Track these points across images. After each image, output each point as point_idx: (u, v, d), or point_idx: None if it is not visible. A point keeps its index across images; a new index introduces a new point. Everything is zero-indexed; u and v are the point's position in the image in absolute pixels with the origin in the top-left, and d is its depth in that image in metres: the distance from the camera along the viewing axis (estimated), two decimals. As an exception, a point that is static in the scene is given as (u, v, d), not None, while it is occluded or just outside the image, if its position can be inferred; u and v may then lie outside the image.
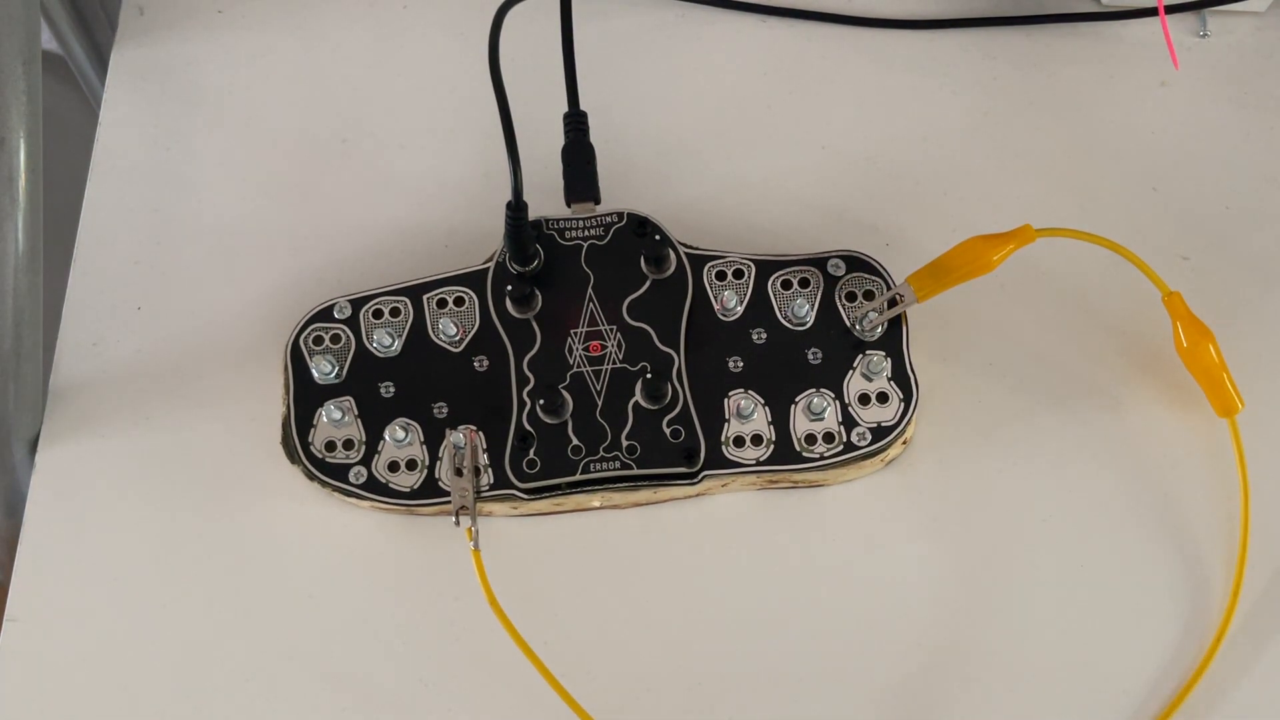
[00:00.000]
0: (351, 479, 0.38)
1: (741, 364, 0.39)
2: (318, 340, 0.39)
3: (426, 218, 0.44)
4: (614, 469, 0.37)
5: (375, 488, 0.38)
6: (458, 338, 0.39)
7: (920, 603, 0.38)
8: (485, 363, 0.39)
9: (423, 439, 0.38)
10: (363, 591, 0.38)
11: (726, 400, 0.38)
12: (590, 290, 0.39)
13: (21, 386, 0.39)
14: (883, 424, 0.38)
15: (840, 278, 0.40)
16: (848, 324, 0.39)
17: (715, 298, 0.40)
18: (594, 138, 0.42)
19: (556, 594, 0.38)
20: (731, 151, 0.45)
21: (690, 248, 0.40)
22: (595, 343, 0.39)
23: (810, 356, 0.39)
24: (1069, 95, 0.46)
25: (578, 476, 0.37)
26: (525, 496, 0.37)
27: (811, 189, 0.44)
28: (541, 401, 0.37)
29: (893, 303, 0.39)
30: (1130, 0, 0.47)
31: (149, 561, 0.38)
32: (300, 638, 0.37)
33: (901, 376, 0.38)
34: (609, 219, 0.40)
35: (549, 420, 0.38)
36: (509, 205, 0.38)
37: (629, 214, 0.40)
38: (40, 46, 0.38)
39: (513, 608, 0.36)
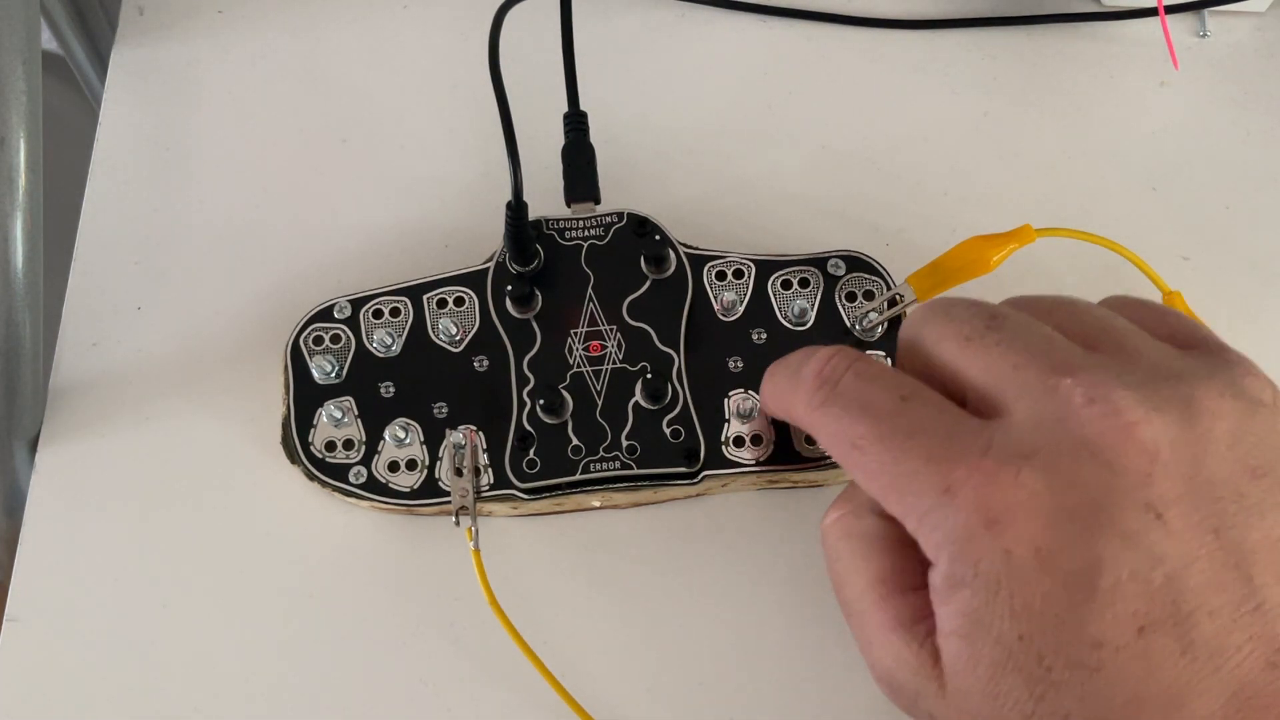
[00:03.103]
0: (351, 479, 0.38)
1: (741, 364, 0.39)
2: (318, 340, 0.39)
3: (426, 218, 0.44)
4: (614, 469, 0.37)
5: (375, 488, 0.38)
6: (458, 338, 0.39)
7: (920, 603, 0.38)
8: (485, 363, 0.39)
9: (423, 439, 0.38)
10: (363, 591, 0.38)
11: (726, 400, 0.38)
12: (590, 290, 0.39)
13: (21, 386, 0.39)
14: (883, 424, 0.38)
15: (840, 278, 0.40)
16: (848, 324, 0.39)
17: (715, 298, 0.40)
18: (594, 138, 0.42)
19: (556, 594, 0.38)
20: (731, 151, 0.45)
21: (690, 248, 0.40)
22: (595, 343, 0.39)
23: (810, 356, 0.39)
24: (1069, 95, 0.46)
25: (578, 476, 0.37)
26: (525, 496, 0.37)
27: (811, 189, 0.44)
28: (541, 401, 0.37)
29: (893, 303, 0.39)
30: (1130, 0, 0.47)
31: (149, 561, 0.38)
32: (300, 637, 0.37)
33: (901, 376, 0.38)
34: (609, 219, 0.40)
35: (549, 420, 0.38)
36: (509, 205, 0.38)
37: (629, 214, 0.40)
38: (40, 46, 0.38)
39: (513, 608, 0.36)
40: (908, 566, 0.29)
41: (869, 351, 0.39)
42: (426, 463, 0.38)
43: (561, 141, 0.42)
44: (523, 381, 0.38)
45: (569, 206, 0.41)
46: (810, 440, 0.38)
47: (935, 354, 0.30)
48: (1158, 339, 0.29)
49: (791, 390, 0.31)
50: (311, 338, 0.39)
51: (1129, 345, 0.29)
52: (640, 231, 0.40)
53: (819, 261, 0.40)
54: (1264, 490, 0.27)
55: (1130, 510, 0.26)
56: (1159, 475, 0.26)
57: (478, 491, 0.37)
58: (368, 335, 0.39)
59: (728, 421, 0.38)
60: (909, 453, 0.27)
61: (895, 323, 0.39)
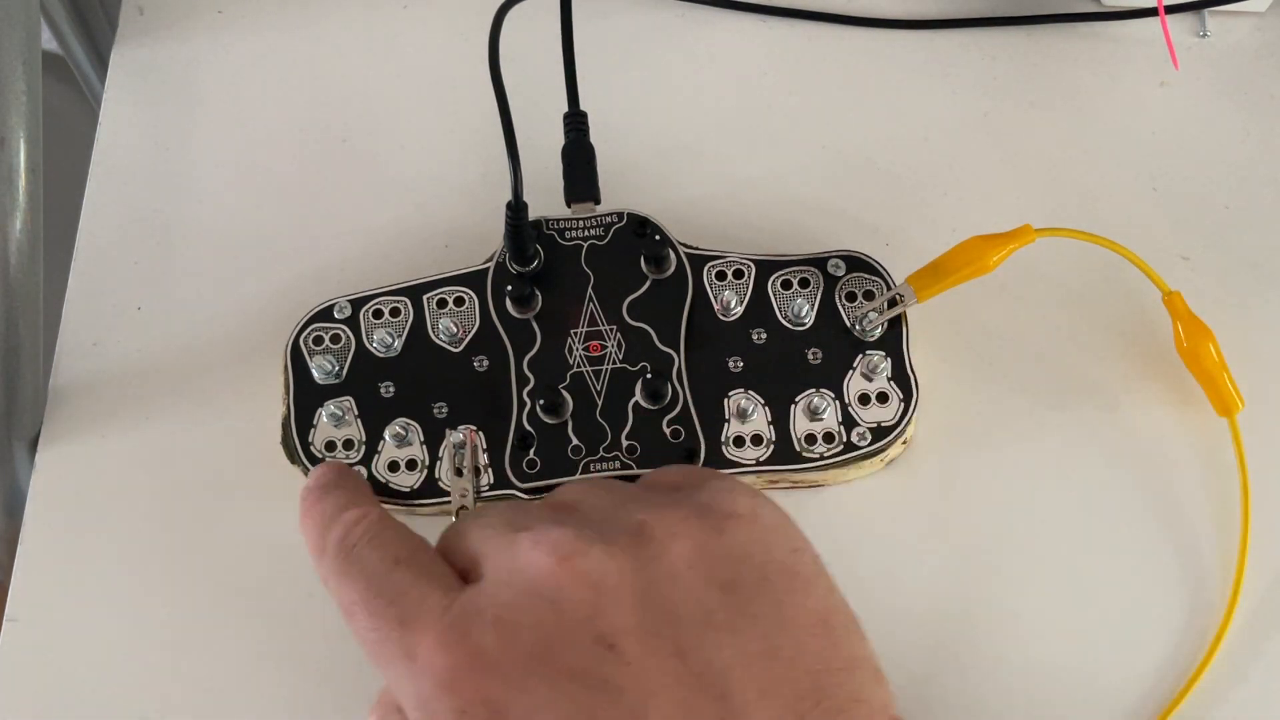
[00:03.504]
0: (351, 479, 0.38)
1: (741, 364, 0.39)
2: (318, 340, 0.39)
3: (426, 218, 0.44)
4: (614, 469, 0.37)
5: (375, 488, 0.38)
6: (458, 338, 0.39)
7: (920, 603, 0.38)
8: (485, 363, 0.39)
9: (423, 439, 0.38)
10: (363, 591, 0.38)
11: (726, 400, 0.38)
12: (590, 290, 0.39)
13: (21, 386, 0.39)
14: (883, 424, 0.38)
15: (840, 278, 0.40)
16: (848, 324, 0.39)
17: (715, 298, 0.40)
18: (594, 138, 0.42)
19: (556, 594, 0.38)
20: (731, 151, 0.45)
21: (690, 248, 0.40)
22: (595, 343, 0.39)
23: (810, 356, 0.39)
24: (1069, 95, 0.46)
25: (578, 477, 0.37)
26: (525, 496, 0.37)
27: (811, 189, 0.44)
28: (541, 401, 0.37)
29: (893, 303, 0.39)
30: (1130, 0, 0.47)
31: (149, 561, 0.38)
32: (300, 637, 0.37)
33: (901, 376, 0.38)
34: (609, 219, 0.40)
35: (549, 420, 0.38)
36: (509, 205, 0.38)
37: (629, 214, 0.40)
38: (40, 46, 0.38)
39: (513, 608, 0.36)
40: None
41: (869, 351, 0.39)
42: (426, 463, 0.38)
43: (561, 141, 0.42)
44: (523, 381, 0.38)
45: (569, 206, 0.41)
46: (810, 440, 0.38)
47: (443, 542, 0.30)
48: (648, 488, 0.29)
49: (319, 544, 0.30)
50: (311, 338, 0.39)
51: (597, 499, 0.29)
52: (640, 231, 0.40)
53: (819, 261, 0.40)
54: (735, 605, 0.26)
55: (578, 647, 0.25)
56: (607, 606, 0.25)
57: (478, 491, 0.37)
58: (368, 335, 0.39)
59: (728, 421, 0.38)
60: (385, 619, 0.27)
61: (895, 323, 0.39)
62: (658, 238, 0.40)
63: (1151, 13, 0.45)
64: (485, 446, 0.38)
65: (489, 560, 0.27)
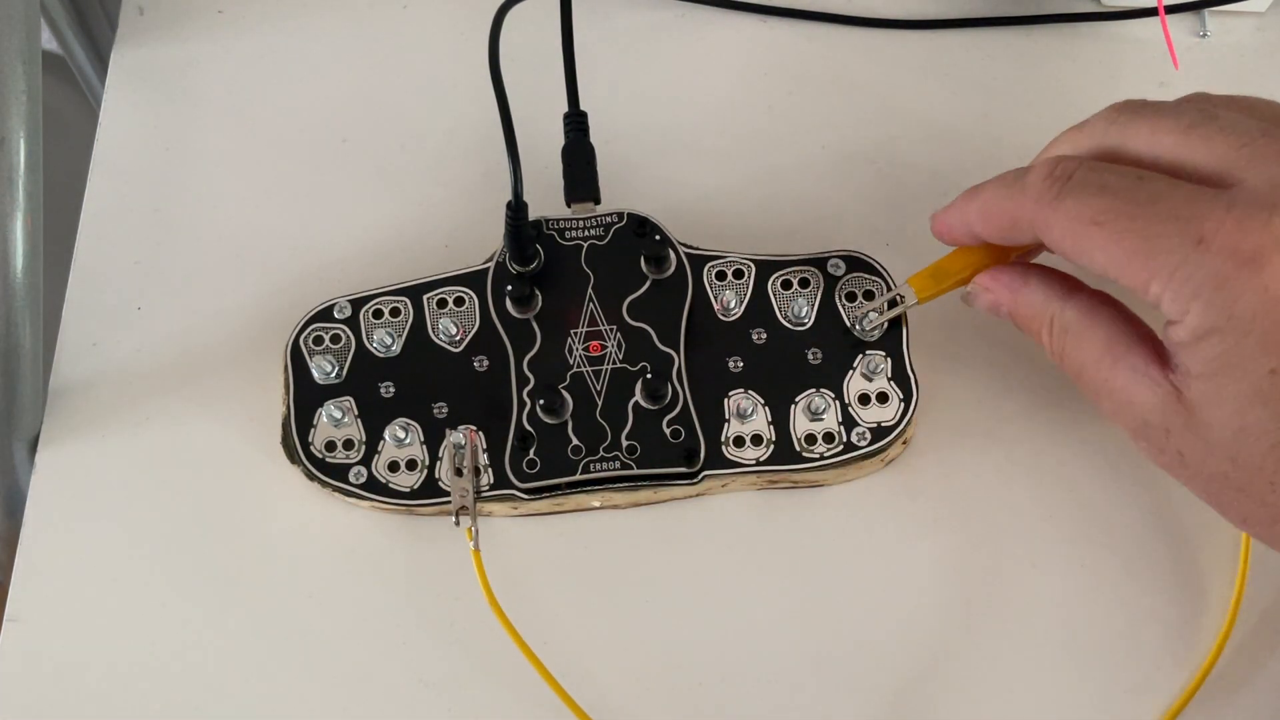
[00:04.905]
0: (351, 479, 0.38)
1: (741, 364, 0.39)
2: (318, 340, 0.39)
3: (426, 218, 0.44)
4: (614, 469, 0.37)
5: (375, 488, 0.38)
6: (458, 338, 0.39)
7: (920, 603, 0.38)
8: (485, 363, 0.39)
9: (423, 439, 0.38)
10: (363, 591, 0.38)
11: (726, 400, 0.38)
12: (590, 290, 0.39)
13: (21, 386, 0.39)
14: (883, 424, 0.38)
15: (840, 278, 0.40)
16: (848, 324, 0.39)
17: (715, 298, 0.40)
18: (594, 138, 0.42)
19: (556, 594, 0.38)
20: (731, 151, 0.45)
21: (690, 248, 0.40)
22: (595, 343, 0.39)
23: (810, 356, 0.39)
24: (1069, 95, 0.46)
25: (578, 476, 0.37)
26: (525, 496, 0.37)
27: (811, 189, 0.44)
28: (541, 401, 0.37)
29: (893, 303, 0.39)
30: (1130, 0, 0.47)
31: (149, 561, 0.38)
32: (299, 638, 0.37)
33: (901, 377, 0.38)
34: (609, 219, 0.40)
35: (549, 420, 0.38)
36: (509, 205, 0.38)
37: (629, 214, 0.40)
38: (40, 46, 0.38)
39: (513, 608, 0.36)
40: (1128, 328, 0.32)
41: (869, 352, 0.39)
42: (426, 463, 0.38)
43: (561, 141, 0.42)
44: (523, 381, 0.38)
45: (569, 206, 0.41)
46: (810, 440, 0.38)
47: (1150, 148, 0.31)
48: None
49: (1014, 196, 0.33)
50: (311, 338, 0.39)
51: None
52: (640, 231, 0.40)
53: (819, 261, 0.40)
54: None
55: None
56: None
57: (478, 491, 0.37)
58: (368, 335, 0.39)
59: (728, 421, 0.38)
60: (1155, 216, 0.29)
61: (895, 323, 0.39)
62: (658, 238, 0.40)
63: (1151, 13, 0.45)
64: (485, 446, 0.38)
65: (1256, 168, 0.29)
